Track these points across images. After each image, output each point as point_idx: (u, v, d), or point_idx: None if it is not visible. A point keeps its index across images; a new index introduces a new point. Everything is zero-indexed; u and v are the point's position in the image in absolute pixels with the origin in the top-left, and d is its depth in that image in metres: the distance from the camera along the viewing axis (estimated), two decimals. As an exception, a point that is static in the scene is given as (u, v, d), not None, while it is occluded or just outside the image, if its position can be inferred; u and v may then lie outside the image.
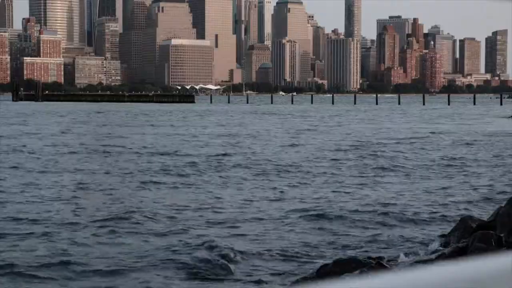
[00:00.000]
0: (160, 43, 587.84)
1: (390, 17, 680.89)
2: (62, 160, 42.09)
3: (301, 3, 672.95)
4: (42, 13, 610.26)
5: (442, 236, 18.76)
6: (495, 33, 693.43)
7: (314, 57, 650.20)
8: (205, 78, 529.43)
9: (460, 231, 17.63)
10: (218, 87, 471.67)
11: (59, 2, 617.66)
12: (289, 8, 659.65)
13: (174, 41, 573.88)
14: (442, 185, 30.55)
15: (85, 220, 22.08)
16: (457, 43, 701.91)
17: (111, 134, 68.80)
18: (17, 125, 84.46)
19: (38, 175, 34.16)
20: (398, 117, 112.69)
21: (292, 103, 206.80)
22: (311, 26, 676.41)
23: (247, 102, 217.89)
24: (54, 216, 22.82)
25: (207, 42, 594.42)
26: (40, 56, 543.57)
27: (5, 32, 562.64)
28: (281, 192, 28.58)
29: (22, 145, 52.29)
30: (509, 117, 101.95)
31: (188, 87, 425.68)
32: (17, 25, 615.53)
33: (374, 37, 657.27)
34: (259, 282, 15.47)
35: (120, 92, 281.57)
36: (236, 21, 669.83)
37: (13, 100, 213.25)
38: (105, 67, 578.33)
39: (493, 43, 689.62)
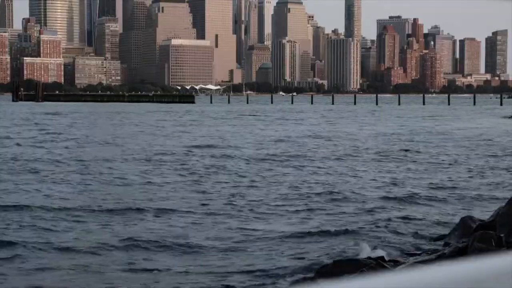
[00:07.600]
0: (160, 43, 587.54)
1: (390, 17, 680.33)
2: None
3: (301, 3, 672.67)
4: (42, 13, 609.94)
5: (442, 236, 18.75)
6: (495, 33, 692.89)
7: (314, 57, 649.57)
8: (205, 78, 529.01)
9: (460, 231, 17.64)
10: (218, 87, 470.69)
11: (59, 2, 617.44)
12: (289, 8, 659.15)
13: (174, 41, 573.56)
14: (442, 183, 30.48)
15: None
16: (457, 43, 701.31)
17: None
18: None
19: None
20: None
21: (292, 103, 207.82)
22: (311, 26, 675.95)
23: (247, 102, 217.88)
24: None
25: (207, 42, 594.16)
26: (40, 56, 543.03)
27: (5, 32, 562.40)
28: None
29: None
30: None
31: (188, 87, 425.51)
32: (17, 25, 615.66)
33: (374, 37, 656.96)
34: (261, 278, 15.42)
35: (120, 92, 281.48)
36: (236, 21, 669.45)
37: (13, 100, 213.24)
38: (105, 67, 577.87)
39: (493, 43, 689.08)
